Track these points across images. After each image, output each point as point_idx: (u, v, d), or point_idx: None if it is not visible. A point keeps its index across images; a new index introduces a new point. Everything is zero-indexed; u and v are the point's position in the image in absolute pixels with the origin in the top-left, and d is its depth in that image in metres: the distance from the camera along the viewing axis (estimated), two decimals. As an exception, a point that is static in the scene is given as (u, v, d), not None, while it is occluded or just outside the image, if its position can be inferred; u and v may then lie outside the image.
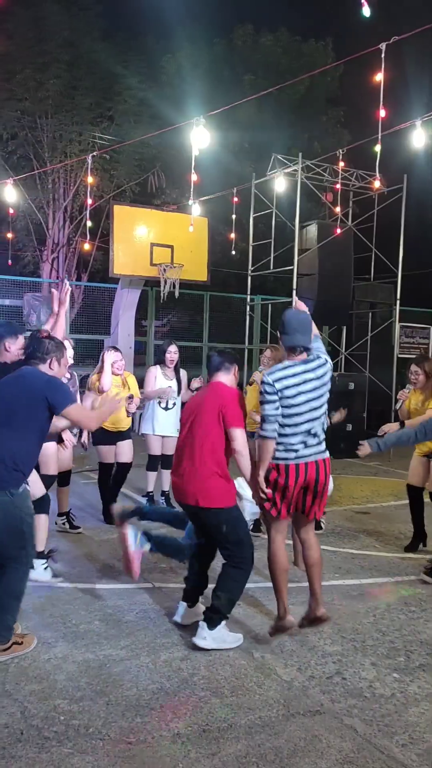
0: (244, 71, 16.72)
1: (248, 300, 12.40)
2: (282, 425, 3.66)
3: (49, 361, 3.65)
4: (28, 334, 3.82)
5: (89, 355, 14.76)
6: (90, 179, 9.67)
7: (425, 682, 3.40)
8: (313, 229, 11.56)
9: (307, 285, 11.37)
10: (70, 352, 6.54)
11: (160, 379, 6.57)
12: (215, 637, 3.64)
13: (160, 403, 6.56)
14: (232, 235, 12.79)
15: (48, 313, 13.29)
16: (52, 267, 15.74)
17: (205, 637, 3.63)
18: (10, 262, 14.29)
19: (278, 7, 19.67)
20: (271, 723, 2.98)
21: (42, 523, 4.51)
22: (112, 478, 6.24)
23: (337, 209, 11.68)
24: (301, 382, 3.68)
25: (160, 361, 6.65)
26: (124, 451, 6.20)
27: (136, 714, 3.01)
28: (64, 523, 5.84)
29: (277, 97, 14.49)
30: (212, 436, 3.70)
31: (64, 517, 5.86)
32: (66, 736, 2.83)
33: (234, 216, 12.44)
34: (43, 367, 3.63)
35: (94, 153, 10.26)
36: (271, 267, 11.48)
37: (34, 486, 4.17)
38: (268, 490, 3.71)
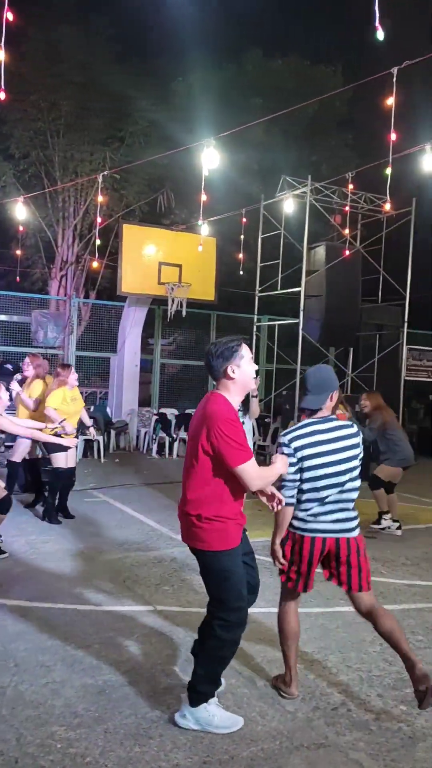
0: (254, 94, 16.88)
1: (255, 320, 12.38)
2: (300, 491, 3.23)
3: None
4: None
5: (95, 373, 14.80)
6: (100, 198, 9.72)
7: (433, 716, 3.30)
8: (321, 251, 11.58)
9: (315, 306, 11.36)
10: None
11: None
12: (198, 718, 3.02)
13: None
14: (240, 256, 12.83)
15: (55, 329, 13.27)
16: (60, 284, 15.79)
17: (185, 715, 3.04)
18: (18, 278, 14.37)
19: (289, 33, 19.94)
20: (274, 756, 2.89)
21: None
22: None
23: (346, 231, 11.71)
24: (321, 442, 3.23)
25: None
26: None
27: (135, 743, 2.92)
28: None
29: (286, 120, 14.60)
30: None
31: None
32: (62, 765, 2.74)
33: (242, 236, 12.49)
34: None
35: (105, 173, 10.32)
36: (279, 288, 11.48)
37: None
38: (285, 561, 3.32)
